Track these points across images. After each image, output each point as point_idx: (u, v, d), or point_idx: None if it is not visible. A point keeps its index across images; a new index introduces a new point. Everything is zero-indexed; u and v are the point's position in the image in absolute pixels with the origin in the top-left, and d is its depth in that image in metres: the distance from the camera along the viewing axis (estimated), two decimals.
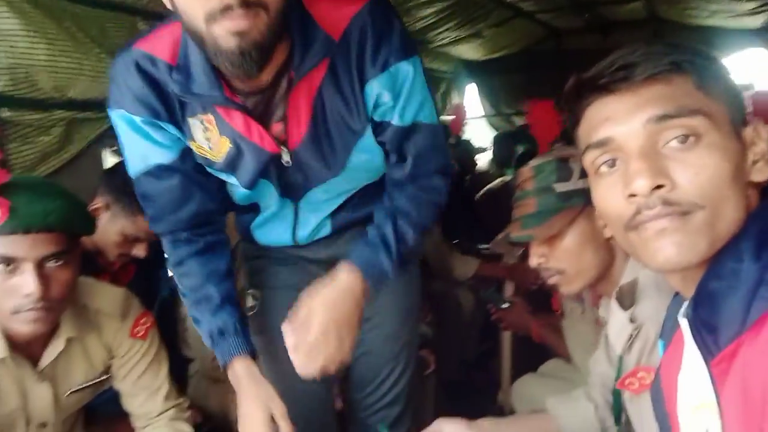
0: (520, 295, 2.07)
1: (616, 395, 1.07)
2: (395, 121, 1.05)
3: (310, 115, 1.01)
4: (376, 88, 1.00)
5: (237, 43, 0.84)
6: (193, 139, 1.04)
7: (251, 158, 1.03)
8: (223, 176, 1.11)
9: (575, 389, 1.23)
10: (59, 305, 1.12)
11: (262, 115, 1.02)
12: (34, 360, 1.18)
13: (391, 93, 1.00)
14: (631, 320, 0.93)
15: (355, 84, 0.99)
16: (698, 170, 0.61)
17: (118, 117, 1.04)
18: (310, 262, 1.29)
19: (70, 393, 1.25)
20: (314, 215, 1.21)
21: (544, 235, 1.15)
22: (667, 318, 0.77)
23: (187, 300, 1.17)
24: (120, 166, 1.50)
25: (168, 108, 1.01)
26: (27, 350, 1.17)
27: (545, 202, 1.16)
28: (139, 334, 1.32)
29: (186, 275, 1.15)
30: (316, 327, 1.01)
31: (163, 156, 1.06)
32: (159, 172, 1.07)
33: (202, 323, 1.14)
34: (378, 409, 1.37)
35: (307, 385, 1.25)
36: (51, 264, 1.08)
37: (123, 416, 1.39)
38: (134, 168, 1.09)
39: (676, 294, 0.75)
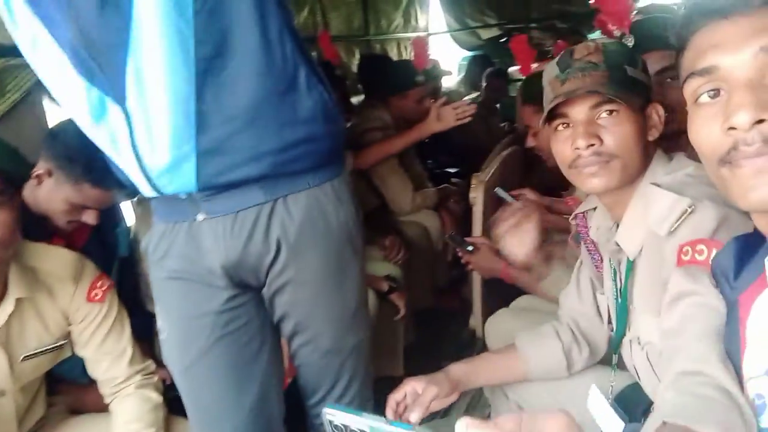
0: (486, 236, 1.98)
1: (621, 322, 1.04)
2: None
3: None
4: None
5: None
6: None
7: None
8: None
9: (545, 324, 1.23)
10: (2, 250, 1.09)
11: None
12: None
13: None
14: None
15: None
16: None
17: None
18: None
19: (25, 358, 1.22)
20: (157, 136, 0.93)
21: (630, 103, 0.94)
22: (738, 260, 0.72)
23: None
24: (61, 132, 1.39)
25: None
26: None
27: (617, 78, 0.95)
28: (97, 298, 1.28)
29: None
30: None
31: None
32: None
33: None
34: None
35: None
36: None
37: (93, 383, 1.37)
38: None
39: (752, 235, 0.70)
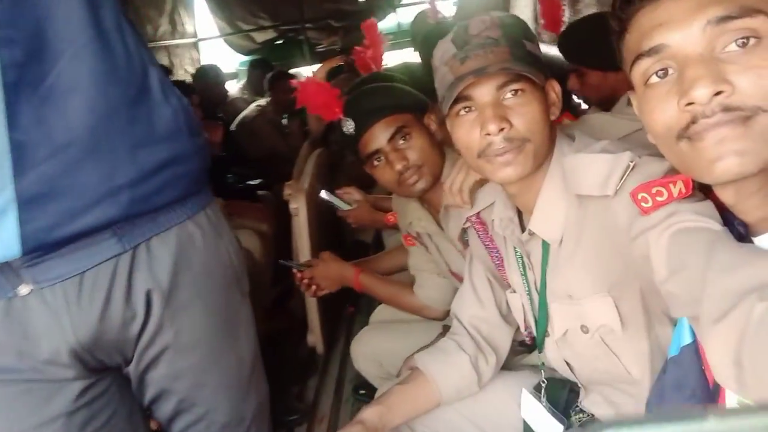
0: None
1: (543, 315, 0.96)
2: None
3: None
4: None
5: None
6: None
7: None
8: None
9: (441, 340, 1.12)
10: None
11: None
12: None
13: None
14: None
15: None
16: (761, 72, 0.55)
17: None
18: None
19: None
20: None
21: (539, 78, 0.87)
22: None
23: None
24: None
25: None
26: None
27: (519, 54, 0.86)
28: None
29: None
30: None
31: None
32: None
33: None
34: None
35: None
36: None
37: None
38: None
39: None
